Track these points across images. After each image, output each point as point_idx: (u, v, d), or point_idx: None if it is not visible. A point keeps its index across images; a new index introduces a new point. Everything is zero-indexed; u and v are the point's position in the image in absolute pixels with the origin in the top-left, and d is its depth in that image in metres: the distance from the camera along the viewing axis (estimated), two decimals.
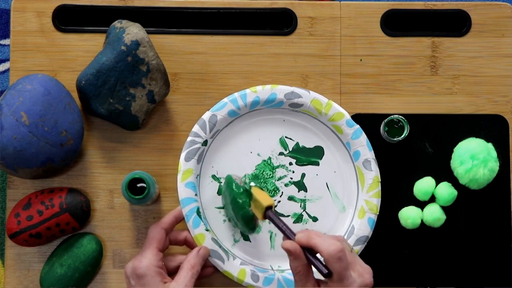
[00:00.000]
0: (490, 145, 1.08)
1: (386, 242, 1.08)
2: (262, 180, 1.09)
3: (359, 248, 1.06)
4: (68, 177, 1.09)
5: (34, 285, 1.07)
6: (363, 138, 1.08)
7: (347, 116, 1.08)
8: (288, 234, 0.91)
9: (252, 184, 1.08)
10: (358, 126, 1.08)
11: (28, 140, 0.98)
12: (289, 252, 0.88)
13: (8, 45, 1.59)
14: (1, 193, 1.54)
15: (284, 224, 0.93)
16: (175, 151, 1.09)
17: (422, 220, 1.09)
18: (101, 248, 1.06)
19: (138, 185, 1.01)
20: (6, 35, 1.61)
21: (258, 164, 1.09)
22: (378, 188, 1.07)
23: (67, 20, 1.11)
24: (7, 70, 1.60)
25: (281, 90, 1.08)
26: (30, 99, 0.99)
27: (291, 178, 1.09)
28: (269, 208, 0.96)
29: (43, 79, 1.01)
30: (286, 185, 1.09)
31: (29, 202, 1.03)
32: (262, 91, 1.08)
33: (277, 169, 1.10)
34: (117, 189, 1.09)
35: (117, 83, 1.03)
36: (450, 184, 1.09)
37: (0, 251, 1.52)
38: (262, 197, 0.98)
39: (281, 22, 1.12)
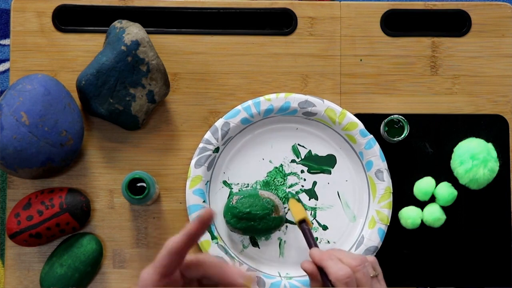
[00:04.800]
0: (490, 145, 1.08)
1: (386, 242, 1.08)
2: (273, 187, 1.09)
3: None
4: (68, 177, 1.09)
5: (34, 285, 1.07)
6: (377, 148, 1.07)
7: (361, 126, 1.08)
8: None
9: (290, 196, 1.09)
10: (371, 136, 1.07)
11: (28, 140, 0.98)
12: (306, 272, 0.91)
13: (8, 45, 1.59)
14: (1, 193, 1.54)
15: (313, 240, 0.97)
16: (175, 151, 1.09)
17: (422, 220, 1.09)
18: (101, 248, 1.06)
19: (138, 185, 1.01)
20: (6, 35, 1.61)
21: (270, 171, 1.09)
22: (389, 199, 1.07)
23: (67, 20, 1.11)
24: (7, 70, 1.60)
25: (295, 99, 1.07)
26: (30, 99, 0.99)
27: (302, 186, 1.09)
28: (303, 221, 1.00)
29: (43, 79, 1.01)
30: (297, 192, 1.09)
31: (29, 202, 1.03)
32: (276, 99, 1.07)
33: (288, 177, 1.09)
34: (117, 189, 1.09)
35: (117, 83, 1.03)
36: (450, 184, 1.09)
37: (0, 251, 1.52)
38: (296, 210, 1.02)
39: (281, 22, 1.12)
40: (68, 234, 1.06)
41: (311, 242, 0.97)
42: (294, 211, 1.03)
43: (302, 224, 1.00)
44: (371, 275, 0.88)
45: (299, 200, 1.08)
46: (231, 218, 1.04)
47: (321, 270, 0.90)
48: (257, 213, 1.03)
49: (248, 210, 1.03)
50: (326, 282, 0.89)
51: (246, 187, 1.09)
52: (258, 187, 1.08)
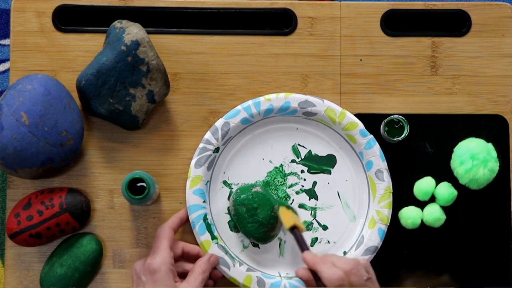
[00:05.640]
0: (490, 145, 1.08)
1: (386, 242, 1.08)
2: (273, 187, 1.09)
3: (368, 258, 1.06)
4: (68, 177, 1.09)
5: (34, 285, 1.07)
6: (377, 148, 1.07)
7: (361, 126, 1.08)
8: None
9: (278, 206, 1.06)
10: (371, 136, 1.07)
11: (28, 140, 0.98)
12: (301, 279, 0.97)
13: (8, 45, 1.59)
14: (1, 193, 1.54)
15: (305, 244, 1.00)
16: (175, 151, 1.09)
17: (422, 220, 1.09)
18: (101, 248, 1.06)
19: (138, 185, 1.01)
20: (6, 35, 1.61)
21: (270, 171, 1.09)
22: (389, 199, 1.07)
23: (67, 20, 1.11)
24: (7, 70, 1.60)
25: (295, 99, 1.07)
26: (30, 99, 0.99)
27: (303, 186, 1.09)
28: (294, 228, 1.02)
29: (43, 79, 1.01)
30: (297, 192, 1.09)
31: (29, 202, 1.03)
32: (276, 99, 1.07)
33: (288, 177, 1.09)
34: (117, 189, 1.09)
35: (117, 83, 1.03)
36: (450, 184, 1.09)
37: (0, 251, 1.52)
38: (286, 218, 1.03)
39: (281, 22, 1.12)
40: (68, 234, 1.06)
41: (303, 246, 0.99)
42: (284, 219, 1.03)
43: (294, 230, 1.01)
44: (365, 278, 0.91)
45: (289, 207, 1.06)
46: (238, 197, 1.04)
47: (315, 274, 0.93)
48: (257, 216, 1.03)
49: (255, 206, 1.03)
50: (320, 285, 0.90)
51: None
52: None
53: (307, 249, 0.99)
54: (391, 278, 1.09)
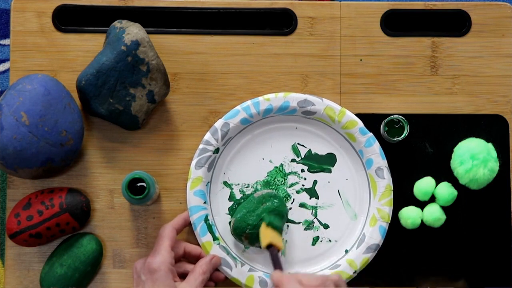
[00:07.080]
0: (490, 145, 1.08)
1: (386, 242, 1.08)
2: (273, 187, 1.09)
3: (369, 256, 1.06)
4: (68, 177, 1.09)
5: (34, 285, 1.07)
6: (376, 146, 1.07)
7: (360, 124, 1.08)
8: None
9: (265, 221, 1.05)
10: (371, 134, 1.08)
11: (28, 140, 0.98)
12: None
13: (8, 45, 1.59)
14: (1, 193, 1.54)
15: (278, 264, 0.98)
16: (175, 151, 1.09)
17: (422, 220, 1.09)
18: (101, 248, 1.06)
19: (138, 185, 1.01)
20: (6, 35, 1.61)
21: (270, 171, 1.09)
22: (390, 197, 1.07)
23: (67, 20, 1.11)
24: (7, 70, 1.60)
25: (294, 98, 1.07)
26: (30, 99, 0.99)
27: (303, 185, 1.09)
28: (270, 246, 1.00)
29: (43, 79, 1.01)
30: (297, 192, 1.09)
31: (29, 202, 1.03)
32: (275, 99, 1.07)
33: (289, 176, 1.09)
34: (117, 189, 1.09)
35: (117, 83, 1.03)
36: (450, 184, 1.09)
37: (0, 251, 1.52)
38: (264, 235, 1.01)
39: (281, 22, 1.12)
40: (68, 234, 1.06)
41: (275, 265, 0.98)
42: (261, 236, 1.02)
43: (270, 248, 1.00)
44: None
45: (270, 224, 1.03)
46: (255, 202, 1.04)
47: None
48: (251, 220, 1.03)
49: (254, 217, 1.03)
50: None
51: (246, 187, 1.09)
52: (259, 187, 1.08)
53: (280, 268, 0.97)
54: (391, 278, 1.09)
